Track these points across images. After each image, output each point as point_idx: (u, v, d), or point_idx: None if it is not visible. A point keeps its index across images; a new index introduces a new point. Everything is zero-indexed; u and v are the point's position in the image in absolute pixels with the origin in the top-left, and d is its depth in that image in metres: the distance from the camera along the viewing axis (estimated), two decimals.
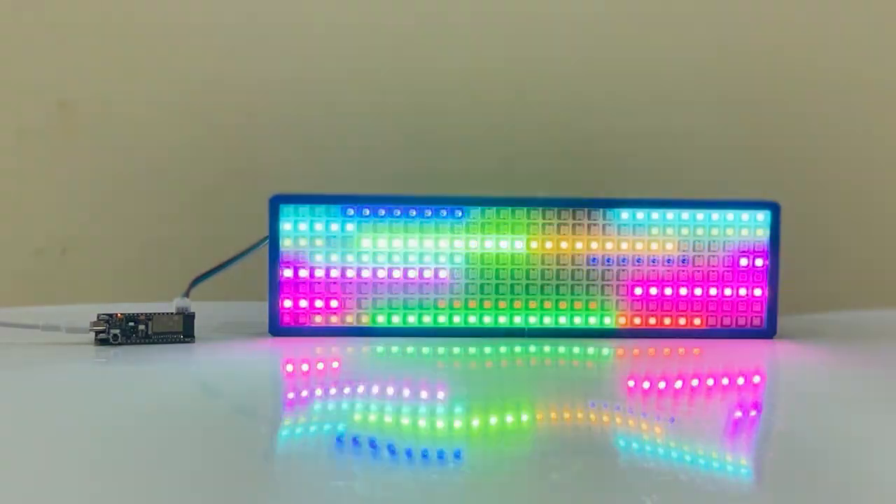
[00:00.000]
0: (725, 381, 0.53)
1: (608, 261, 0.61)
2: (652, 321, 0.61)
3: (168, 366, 0.53)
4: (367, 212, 0.60)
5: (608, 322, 0.61)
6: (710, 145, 0.80)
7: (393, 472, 0.34)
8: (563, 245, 0.61)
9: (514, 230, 0.60)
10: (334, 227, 0.60)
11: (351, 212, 0.60)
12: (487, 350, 0.57)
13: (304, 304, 0.60)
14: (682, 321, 0.61)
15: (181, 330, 0.57)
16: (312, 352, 0.57)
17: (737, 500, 0.32)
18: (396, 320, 0.60)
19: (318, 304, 0.60)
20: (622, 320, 0.61)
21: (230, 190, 0.79)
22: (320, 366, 0.55)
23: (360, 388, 0.48)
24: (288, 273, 0.60)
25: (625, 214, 0.61)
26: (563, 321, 0.61)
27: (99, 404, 0.43)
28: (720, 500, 0.31)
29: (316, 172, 0.80)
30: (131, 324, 0.56)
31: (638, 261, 0.61)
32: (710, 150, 0.81)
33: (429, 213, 0.60)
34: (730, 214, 0.61)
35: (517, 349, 0.57)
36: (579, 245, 0.60)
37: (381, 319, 0.60)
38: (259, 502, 0.31)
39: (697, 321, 0.61)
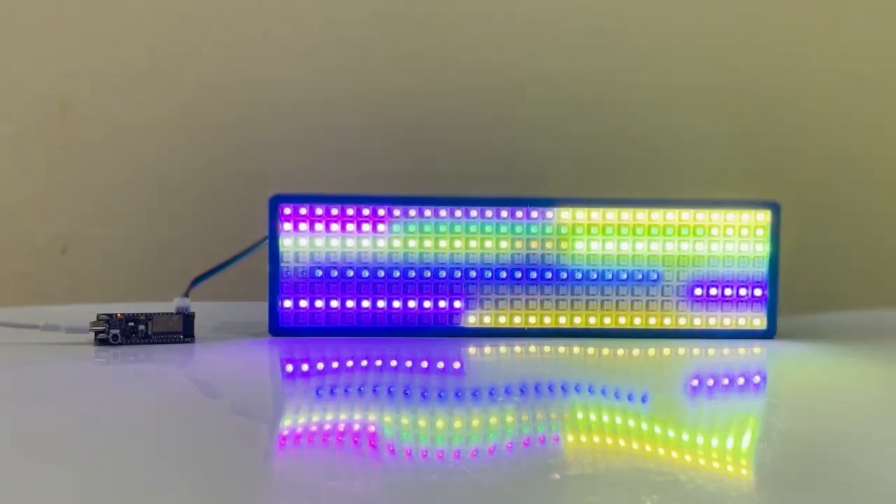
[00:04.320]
0: (725, 381, 0.53)
1: (609, 261, 0.61)
2: (652, 321, 0.61)
3: (168, 366, 0.53)
4: (367, 212, 0.60)
5: (608, 322, 0.61)
6: (710, 145, 0.80)
7: (392, 472, 0.34)
8: (563, 245, 0.61)
9: (514, 230, 0.60)
10: (334, 227, 0.60)
11: (351, 212, 0.60)
12: (487, 349, 0.57)
13: (304, 304, 0.60)
14: (681, 321, 0.61)
15: (181, 330, 0.57)
16: (312, 352, 0.57)
17: (737, 500, 0.32)
18: (397, 320, 0.60)
19: (318, 304, 0.60)
20: (622, 320, 0.61)
21: (230, 190, 0.79)
22: (320, 366, 0.55)
23: (359, 389, 0.48)
24: (288, 273, 0.60)
25: (625, 214, 0.61)
26: (562, 321, 0.61)
27: (99, 404, 0.43)
28: (720, 500, 0.31)
29: (316, 172, 0.80)
30: (131, 324, 0.56)
31: (639, 261, 0.61)
32: (710, 150, 0.80)
33: (429, 212, 0.60)
34: (730, 214, 0.61)
35: (517, 348, 0.57)
36: (580, 245, 0.60)
37: (381, 320, 0.60)
38: (259, 502, 0.31)
39: (697, 321, 0.61)
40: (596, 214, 0.61)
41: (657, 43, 0.80)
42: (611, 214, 0.61)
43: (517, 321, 0.61)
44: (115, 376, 0.51)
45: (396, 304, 0.60)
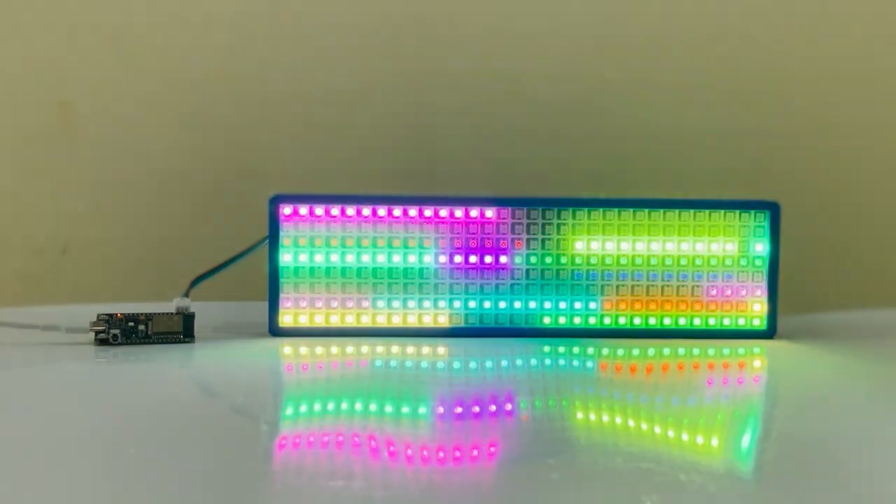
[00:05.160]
0: (725, 381, 0.53)
1: (608, 261, 0.61)
2: (652, 321, 0.61)
3: (168, 366, 0.53)
4: (367, 212, 0.60)
5: (608, 322, 0.61)
6: (709, 145, 0.80)
7: (392, 472, 0.34)
8: (563, 245, 0.61)
9: (514, 230, 0.60)
10: (334, 227, 0.60)
11: (351, 212, 0.60)
12: (486, 349, 0.57)
13: (304, 304, 0.60)
14: (682, 321, 0.61)
15: (181, 330, 0.57)
16: (312, 352, 0.57)
17: (737, 500, 0.32)
18: (397, 320, 0.60)
19: (319, 304, 0.60)
20: (622, 320, 0.61)
21: (230, 190, 0.79)
22: (320, 366, 0.55)
23: (359, 388, 0.48)
24: (288, 273, 0.60)
25: (625, 214, 0.61)
26: (562, 321, 0.61)
27: (99, 404, 0.43)
28: (720, 500, 0.31)
29: (316, 172, 0.80)
30: (131, 324, 0.56)
31: (638, 261, 0.61)
32: (710, 150, 0.81)
33: (429, 212, 0.60)
34: (730, 214, 0.61)
35: (516, 349, 0.57)
36: (579, 245, 0.60)
37: (381, 319, 0.60)
38: (259, 502, 0.31)
39: (697, 321, 0.61)
40: (596, 214, 0.61)
41: (657, 43, 0.80)
42: (611, 214, 0.61)
43: (517, 321, 0.61)
44: (115, 376, 0.51)
45: (396, 303, 0.60)
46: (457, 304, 0.60)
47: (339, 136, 0.80)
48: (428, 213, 0.60)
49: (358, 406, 0.44)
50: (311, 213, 0.60)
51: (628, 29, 0.81)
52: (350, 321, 0.60)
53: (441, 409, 0.44)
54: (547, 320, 0.61)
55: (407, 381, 0.50)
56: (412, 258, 0.60)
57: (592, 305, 0.61)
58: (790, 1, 0.81)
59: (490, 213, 0.60)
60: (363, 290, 0.60)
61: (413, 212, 0.60)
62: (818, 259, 0.80)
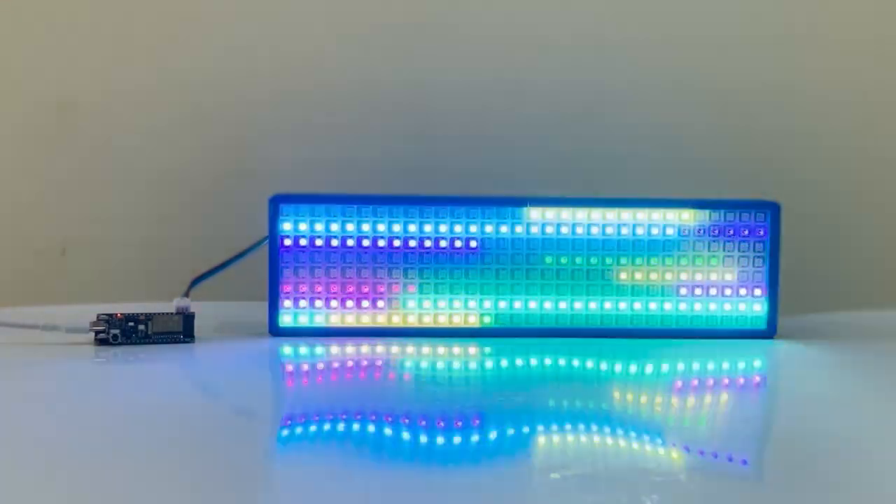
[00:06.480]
0: (725, 381, 0.53)
1: (608, 260, 0.61)
2: (652, 321, 0.61)
3: (168, 366, 0.53)
4: (368, 212, 0.60)
5: (608, 321, 0.61)
6: (710, 145, 0.80)
7: (392, 472, 0.34)
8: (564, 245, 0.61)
9: (514, 231, 0.60)
10: (334, 227, 0.60)
11: (351, 212, 0.60)
12: (487, 349, 0.57)
13: (303, 304, 0.60)
14: (682, 321, 0.61)
15: (181, 330, 0.57)
16: (312, 352, 0.57)
17: (737, 501, 0.32)
18: (396, 320, 0.60)
19: (318, 304, 0.60)
20: (622, 320, 0.61)
21: (230, 190, 0.79)
22: (320, 366, 0.55)
23: (358, 389, 0.48)
24: (288, 273, 0.60)
25: (625, 214, 0.61)
26: (563, 321, 0.61)
27: (99, 404, 0.43)
28: (720, 501, 0.31)
29: (316, 172, 0.79)
30: (131, 324, 0.56)
31: (638, 261, 0.61)
32: (710, 150, 0.80)
33: (429, 212, 0.60)
34: (730, 214, 0.61)
35: (517, 348, 0.57)
36: (580, 245, 0.60)
37: (380, 320, 0.60)
38: (259, 502, 0.31)
39: (698, 321, 0.61)
40: (596, 214, 0.61)
41: (656, 42, 0.80)
42: (611, 215, 0.61)
43: (517, 321, 0.61)
44: (115, 376, 0.51)
45: (396, 303, 0.60)
46: (456, 303, 0.60)
47: (340, 135, 0.80)
48: (428, 212, 0.60)
49: (357, 406, 0.44)
50: (311, 213, 0.60)
51: (629, 29, 0.80)
52: (350, 321, 0.60)
53: (440, 409, 0.44)
54: (548, 320, 0.61)
55: (407, 381, 0.50)
56: (412, 259, 0.60)
57: (593, 306, 0.61)
58: (791, 1, 0.81)
59: (491, 212, 0.60)
60: (363, 291, 0.60)
61: (413, 211, 0.60)
62: (818, 259, 0.80)
